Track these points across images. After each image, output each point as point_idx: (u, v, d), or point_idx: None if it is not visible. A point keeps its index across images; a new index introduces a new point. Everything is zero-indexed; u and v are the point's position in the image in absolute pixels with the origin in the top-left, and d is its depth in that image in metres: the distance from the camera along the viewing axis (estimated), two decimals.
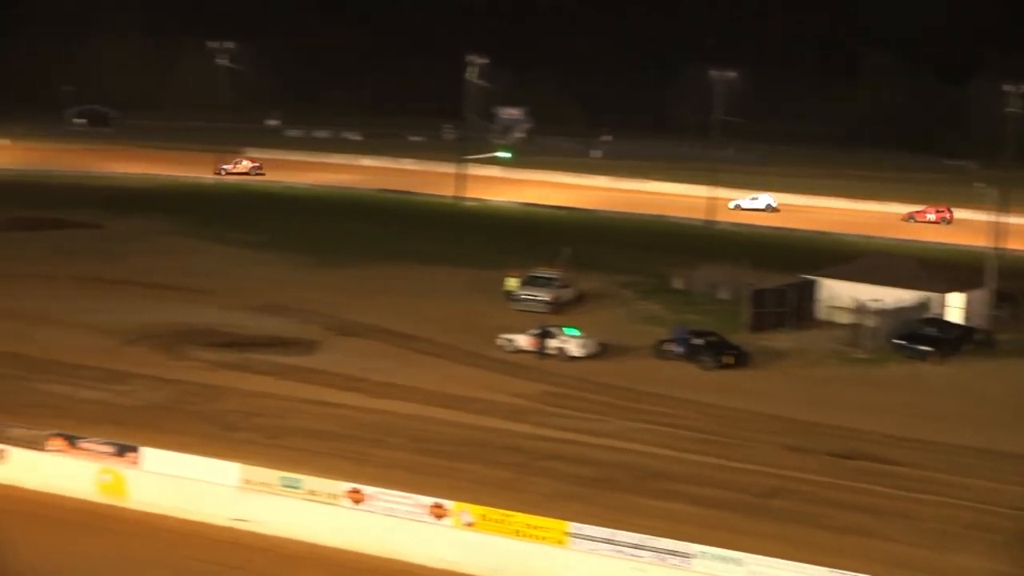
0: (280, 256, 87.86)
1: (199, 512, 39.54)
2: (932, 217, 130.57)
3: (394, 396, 54.46)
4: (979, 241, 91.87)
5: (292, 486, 39.94)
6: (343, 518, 38.72)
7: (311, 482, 39.93)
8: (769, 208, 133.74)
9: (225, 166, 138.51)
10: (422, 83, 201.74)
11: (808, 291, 75.26)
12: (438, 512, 38.19)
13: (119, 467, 41.47)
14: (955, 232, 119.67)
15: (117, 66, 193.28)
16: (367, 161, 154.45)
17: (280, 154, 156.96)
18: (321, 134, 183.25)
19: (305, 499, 39.53)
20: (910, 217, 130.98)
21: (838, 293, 74.40)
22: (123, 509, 40.35)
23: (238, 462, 41.09)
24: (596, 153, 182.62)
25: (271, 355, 60.80)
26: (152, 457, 41.81)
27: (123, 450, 42.10)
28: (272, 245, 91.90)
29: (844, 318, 72.04)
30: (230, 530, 38.85)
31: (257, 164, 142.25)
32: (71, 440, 42.90)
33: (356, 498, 39.15)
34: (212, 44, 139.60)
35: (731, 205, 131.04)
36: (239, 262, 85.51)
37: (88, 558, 36.58)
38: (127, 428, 45.77)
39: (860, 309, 70.06)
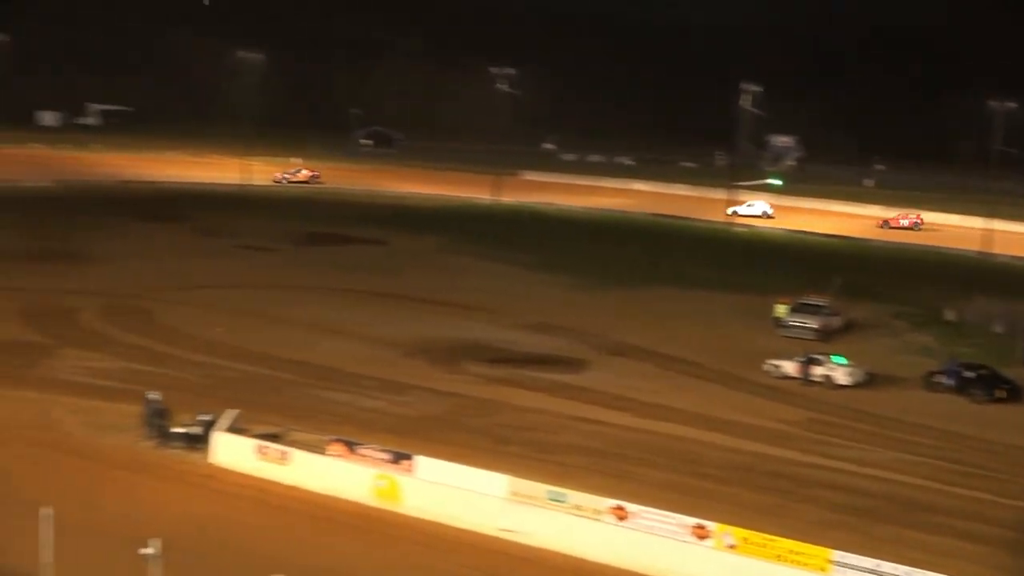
0: (552, 276, 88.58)
1: (468, 521, 40.17)
2: (905, 223, 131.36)
3: (660, 417, 54.19)
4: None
5: (558, 500, 40.24)
6: (606, 534, 38.74)
7: (577, 497, 40.16)
8: (765, 215, 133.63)
9: (285, 174, 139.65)
10: (695, 110, 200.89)
11: None
12: (700, 533, 37.95)
13: (394, 474, 42.50)
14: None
15: (402, 90, 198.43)
16: (639, 185, 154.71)
17: (555, 177, 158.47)
18: (595, 158, 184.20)
19: (570, 513, 39.76)
20: (884, 223, 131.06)
21: None
22: (396, 514, 41.30)
23: (507, 474, 41.60)
24: (869, 182, 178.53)
25: (542, 372, 61.27)
26: (425, 466, 42.67)
27: (398, 458, 43.08)
28: (544, 266, 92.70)
29: None
30: (498, 540, 39.35)
31: (315, 174, 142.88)
32: (350, 446, 44.18)
33: (620, 515, 39.21)
34: (493, 70, 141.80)
35: (728, 211, 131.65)
36: (512, 281, 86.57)
37: (362, 560, 37.67)
38: (403, 437, 46.78)
39: None
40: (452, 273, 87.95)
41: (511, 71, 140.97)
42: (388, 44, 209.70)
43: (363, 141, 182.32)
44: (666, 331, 71.95)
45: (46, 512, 26.38)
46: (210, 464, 45.25)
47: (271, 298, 75.86)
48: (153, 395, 47.69)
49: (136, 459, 45.62)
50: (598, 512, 39.52)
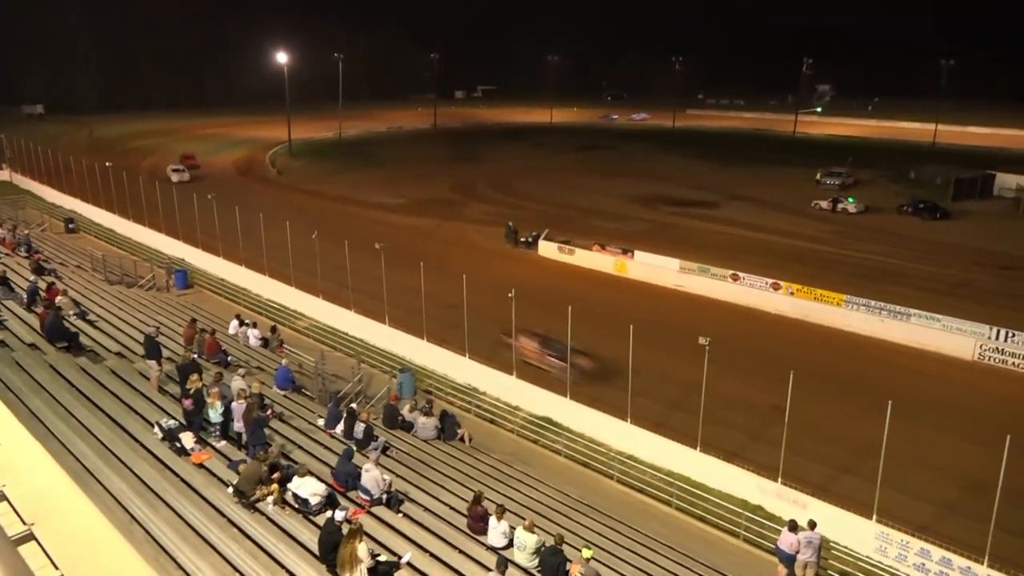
0: (702, 162, 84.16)
1: (660, 280, 40.30)
2: None
3: (755, 229, 52.02)
4: None
5: (704, 271, 39.60)
6: (728, 287, 38.15)
7: (713, 269, 39.41)
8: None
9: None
10: (781, 73, 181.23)
11: (989, 180, 64.93)
12: (775, 286, 36.86)
13: (624, 259, 42.46)
14: None
15: (631, 68, 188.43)
16: (747, 115, 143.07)
17: (705, 112, 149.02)
18: (724, 102, 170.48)
19: (708, 277, 39.12)
20: None
21: (1006, 182, 64.01)
22: (624, 278, 41.67)
23: (677, 258, 40.97)
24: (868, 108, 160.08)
25: (697, 209, 59.35)
26: (639, 255, 42.40)
27: (626, 251, 42.91)
28: (699, 156, 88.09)
29: (1010, 194, 62.07)
30: (674, 289, 39.50)
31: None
32: (602, 246, 44.19)
33: (734, 277, 38.34)
34: (672, 58, 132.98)
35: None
36: (682, 164, 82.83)
37: (608, 300, 37.97)
38: (628, 241, 46.16)
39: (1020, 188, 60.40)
40: (653, 163, 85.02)
41: (681, 57, 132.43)
42: (618, 43, 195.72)
43: (609, 98, 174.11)
44: (761, 187, 68.25)
45: (464, 275, 27.48)
46: (537, 255, 46.18)
47: (565, 175, 75.27)
48: (511, 223, 48.72)
49: (503, 252, 47.02)
50: (723, 276, 38.74)
